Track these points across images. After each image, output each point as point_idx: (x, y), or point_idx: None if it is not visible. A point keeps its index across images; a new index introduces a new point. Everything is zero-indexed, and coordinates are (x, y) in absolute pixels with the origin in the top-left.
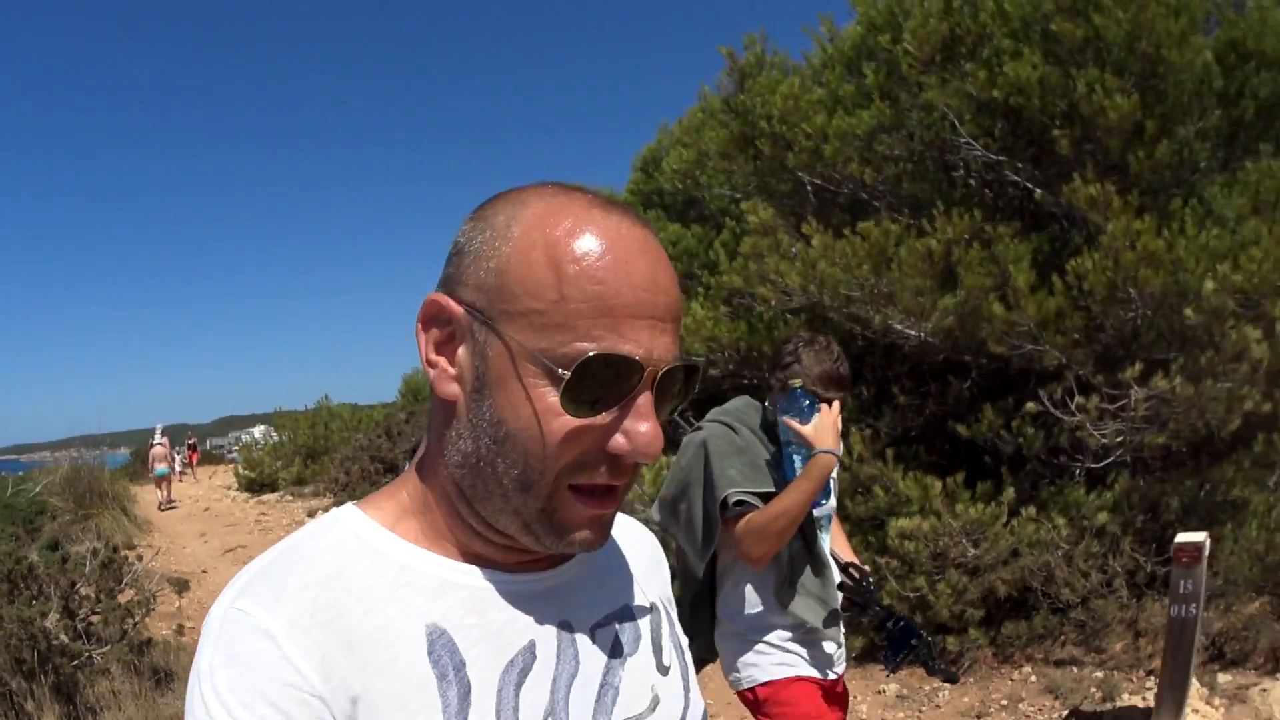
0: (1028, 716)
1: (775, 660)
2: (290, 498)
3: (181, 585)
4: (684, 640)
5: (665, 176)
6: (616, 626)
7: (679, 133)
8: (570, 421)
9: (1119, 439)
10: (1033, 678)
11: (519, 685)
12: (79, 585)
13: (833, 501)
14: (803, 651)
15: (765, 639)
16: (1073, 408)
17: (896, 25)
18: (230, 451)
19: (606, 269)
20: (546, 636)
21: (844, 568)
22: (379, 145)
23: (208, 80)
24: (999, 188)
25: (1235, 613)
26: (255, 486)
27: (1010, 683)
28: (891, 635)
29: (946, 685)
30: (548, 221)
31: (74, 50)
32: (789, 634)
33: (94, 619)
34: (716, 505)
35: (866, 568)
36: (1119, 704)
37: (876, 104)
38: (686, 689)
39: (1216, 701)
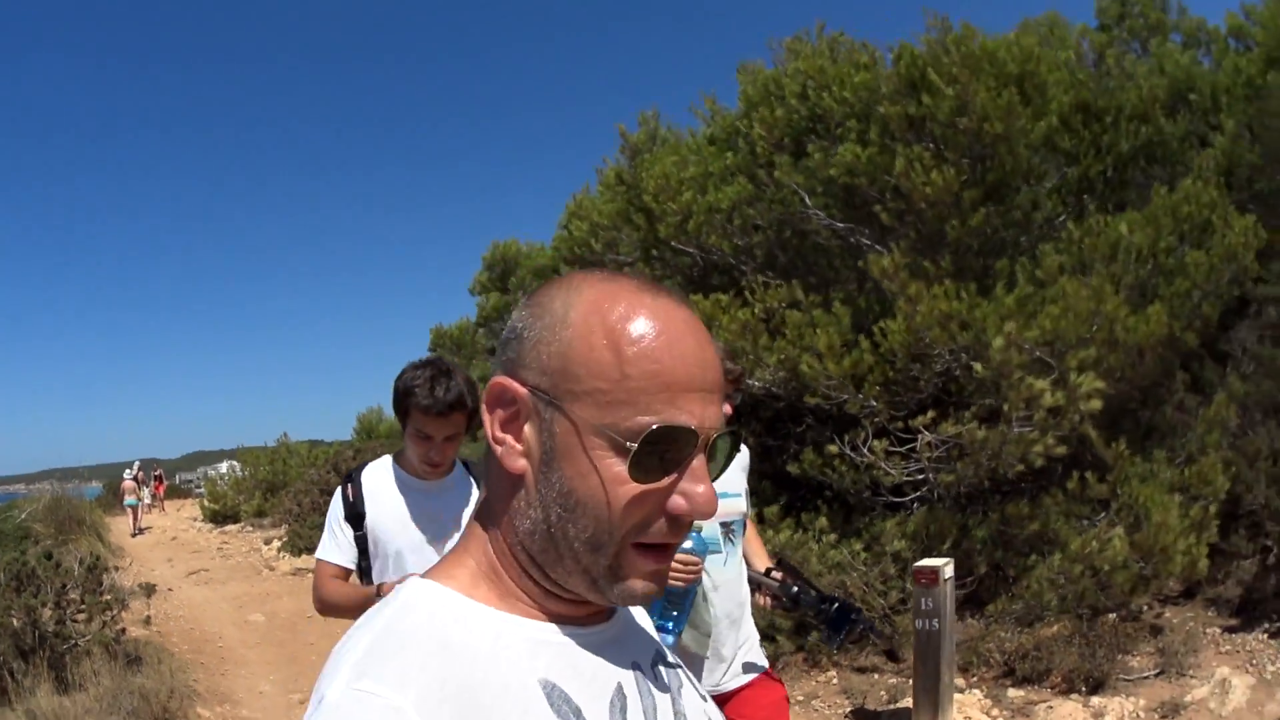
0: (818, 711)
1: None
2: (250, 528)
3: (150, 590)
4: (698, 682)
5: (567, 243)
6: (662, 667)
7: (574, 206)
8: (635, 487)
9: (920, 475)
10: (835, 680)
11: None
12: (68, 587)
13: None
14: None
15: None
16: (865, 450)
17: (770, 104)
18: (198, 486)
19: (661, 349)
20: (626, 678)
21: (766, 573)
22: (365, 170)
23: (154, 105)
24: (851, 253)
25: (1032, 634)
26: (219, 518)
27: (815, 683)
28: (830, 617)
29: None
30: (603, 306)
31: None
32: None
33: (79, 616)
34: None
35: (781, 559)
36: (898, 705)
37: (739, 181)
38: None
39: (996, 712)
